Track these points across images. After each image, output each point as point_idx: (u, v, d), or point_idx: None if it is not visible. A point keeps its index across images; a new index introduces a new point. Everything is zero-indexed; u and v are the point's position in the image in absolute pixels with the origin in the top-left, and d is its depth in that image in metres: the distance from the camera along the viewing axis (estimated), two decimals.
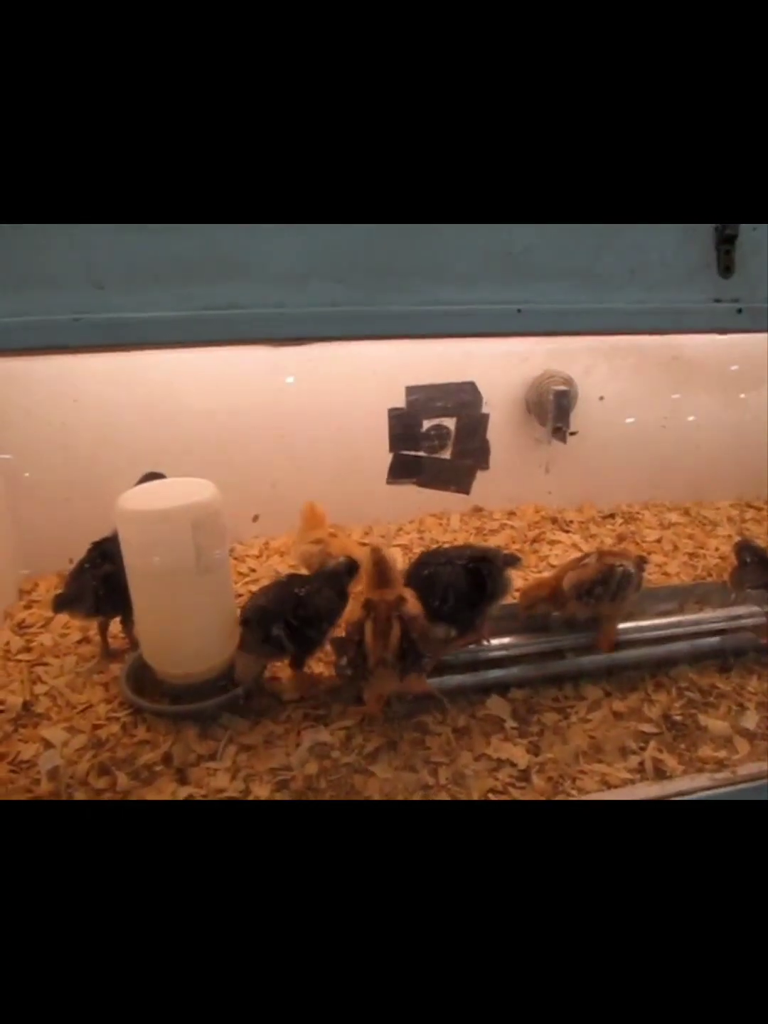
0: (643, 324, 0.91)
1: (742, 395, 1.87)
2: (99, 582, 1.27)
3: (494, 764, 1.12)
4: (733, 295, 0.93)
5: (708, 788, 1.06)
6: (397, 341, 1.61)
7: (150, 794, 1.06)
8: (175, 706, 1.21)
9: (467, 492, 1.87)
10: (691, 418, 1.87)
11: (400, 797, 1.06)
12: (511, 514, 1.93)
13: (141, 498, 1.16)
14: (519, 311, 0.86)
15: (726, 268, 0.92)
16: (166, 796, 1.06)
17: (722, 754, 1.13)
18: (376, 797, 1.06)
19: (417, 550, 1.76)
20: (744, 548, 1.51)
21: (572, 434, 1.75)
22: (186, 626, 1.20)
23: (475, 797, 1.05)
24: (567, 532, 1.86)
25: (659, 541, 1.81)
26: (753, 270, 0.93)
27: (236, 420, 1.66)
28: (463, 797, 1.05)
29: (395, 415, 1.74)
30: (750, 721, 1.19)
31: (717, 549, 1.79)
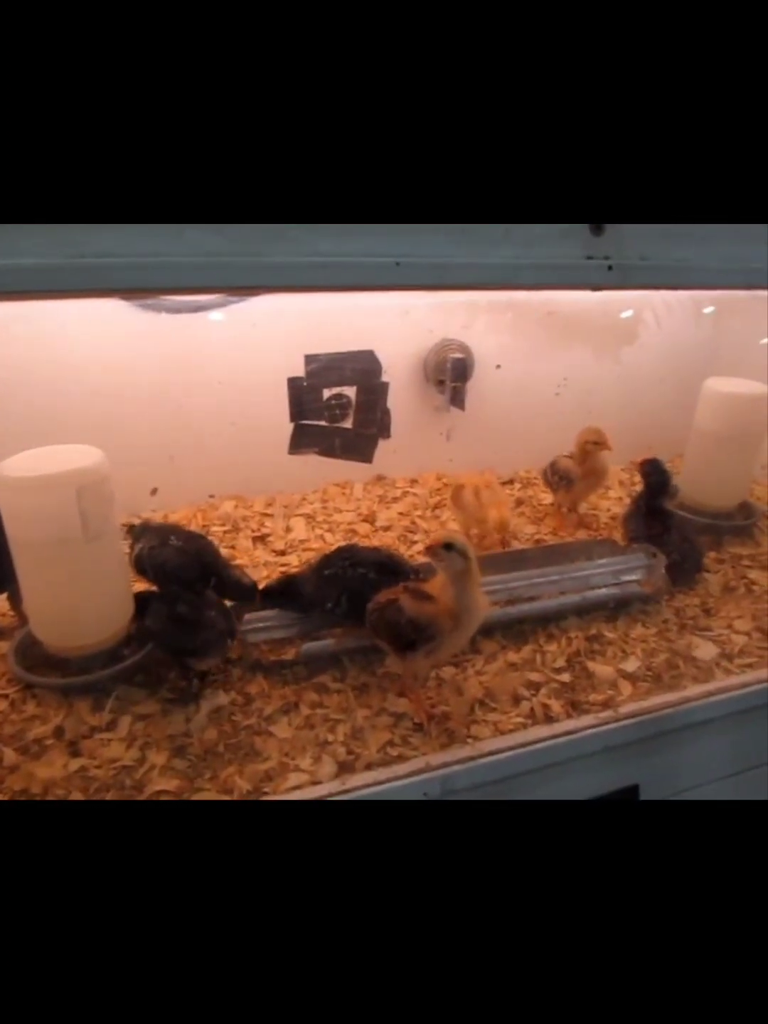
0: (519, 279, 0.93)
1: (628, 347, 1.96)
2: None
3: (392, 719, 1.14)
4: (604, 252, 0.96)
5: (592, 727, 1.11)
6: (290, 304, 1.63)
7: (40, 768, 1.03)
8: (66, 679, 1.18)
9: (369, 461, 1.89)
10: (565, 378, 1.95)
11: (299, 756, 1.06)
12: (413, 482, 1.96)
13: (22, 465, 1.12)
14: (397, 264, 0.87)
15: (597, 227, 0.96)
16: (57, 769, 1.03)
17: (606, 696, 1.19)
18: (275, 757, 1.06)
19: (320, 520, 1.77)
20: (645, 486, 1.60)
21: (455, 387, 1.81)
22: (75, 597, 1.16)
23: (373, 751, 1.07)
24: None
25: (554, 504, 1.88)
26: (622, 229, 0.96)
27: (130, 392, 1.62)
28: (360, 750, 1.07)
29: (294, 384, 1.74)
30: (632, 665, 1.26)
31: (608, 510, 1.87)
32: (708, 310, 2.05)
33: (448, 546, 1.04)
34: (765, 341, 1.91)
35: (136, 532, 1.32)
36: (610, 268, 0.97)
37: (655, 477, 1.57)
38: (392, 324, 1.77)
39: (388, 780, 1.01)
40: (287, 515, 1.77)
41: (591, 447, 1.66)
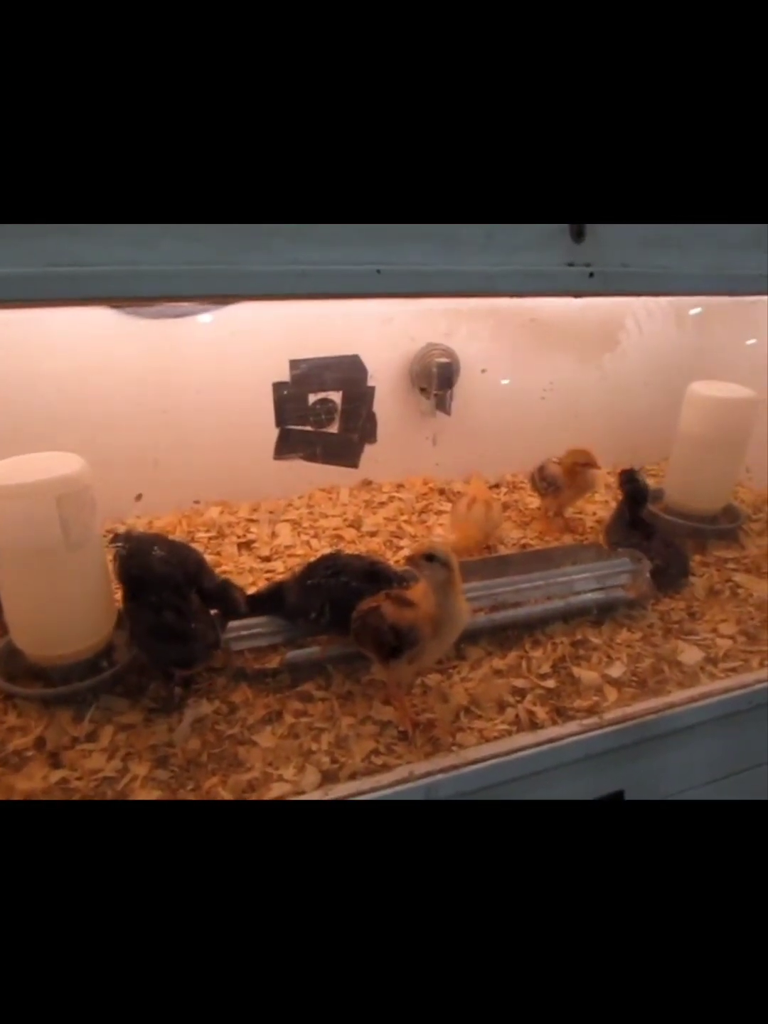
0: (500, 286, 0.93)
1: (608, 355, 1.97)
2: None
3: (377, 727, 1.14)
4: (585, 259, 0.96)
5: (577, 733, 1.11)
6: (274, 309, 1.63)
7: (20, 780, 1.02)
8: (47, 689, 1.16)
9: (355, 466, 1.89)
10: (550, 382, 1.94)
11: (282, 766, 1.06)
12: (399, 486, 1.95)
13: (1, 473, 1.10)
14: (378, 272, 0.86)
15: (578, 233, 0.96)
16: (37, 781, 1.02)
17: (592, 702, 1.19)
18: (259, 767, 1.06)
19: (306, 525, 1.77)
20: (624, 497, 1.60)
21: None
22: (57, 606, 1.15)
23: (358, 760, 1.06)
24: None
25: (540, 508, 1.88)
26: (603, 236, 0.97)
27: (114, 397, 1.61)
28: (344, 759, 1.06)
29: (279, 389, 1.73)
30: (617, 670, 1.26)
31: (594, 513, 1.87)
32: (694, 311, 2.05)
33: (429, 557, 1.04)
34: (751, 342, 1.92)
35: (120, 541, 1.31)
36: (591, 275, 0.97)
37: (631, 487, 1.58)
38: (376, 329, 1.77)
39: (372, 789, 1.01)
40: (273, 521, 1.76)
41: (580, 468, 1.67)
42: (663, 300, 1.90)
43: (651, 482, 2.00)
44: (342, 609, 1.17)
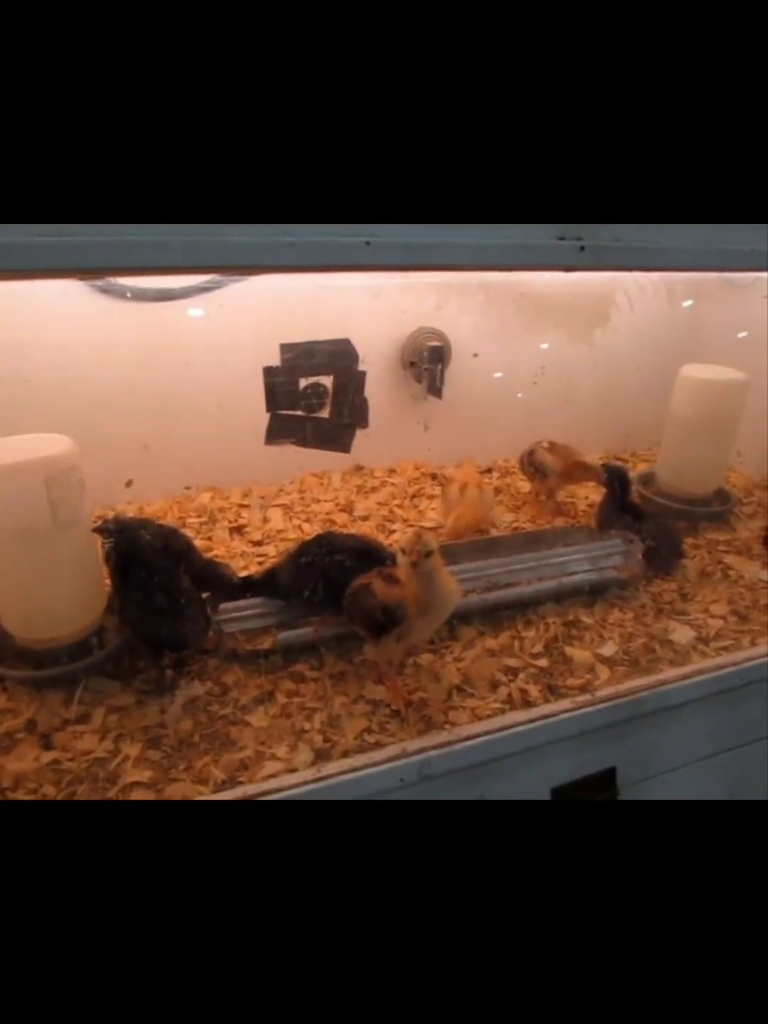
0: (490, 259, 0.92)
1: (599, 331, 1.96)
2: None
3: (370, 707, 1.13)
4: (576, 233, 0.96)
5: (569, 710, 1.11)
6: (265, 292, 1.61)
7: (11, 762, 1.01)
8: (37, 671, 1.16)
9: (347, 451, 1.87)
10: (542, 367, 1.93)
11: (275, 745, 1.05)
12: (391, 471, 1.94)
13: None
14: (367, 243, 0.85)
15: None
16: (28, 763, 1.02)
17: (584, 680, 1.19)
18: (251, 746, 1.05)
19: (298, 510, 1.76)
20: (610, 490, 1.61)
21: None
22: (46, 588, 1.14)
23: (351, 739, 1.06)
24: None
25: (531, 492, 1.87)
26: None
27: (103, 382, 1.59)
28: (337, 738, 1.06)
29: (270, 374, 1.72)
30: (609, 650, 1.26)
31: (586, 497, 1.87)
32: (686, 304, 2.05)
33: (423, 557, 1.02)
34: (742, 335, 1.91)
35: (106, 527, 1.29)
36: (582, 249, 0.96)
37: (607, 477, 1.60)
38: (368, 312, 1.76)
39: (364, 766, 1.00)
40: (264, 506, 1.75)
41: (579, 474, 1.69)
42: (655, 278, 1.89)
43: (642, 466, 2.02)
44: (336, 587, 1.16)
